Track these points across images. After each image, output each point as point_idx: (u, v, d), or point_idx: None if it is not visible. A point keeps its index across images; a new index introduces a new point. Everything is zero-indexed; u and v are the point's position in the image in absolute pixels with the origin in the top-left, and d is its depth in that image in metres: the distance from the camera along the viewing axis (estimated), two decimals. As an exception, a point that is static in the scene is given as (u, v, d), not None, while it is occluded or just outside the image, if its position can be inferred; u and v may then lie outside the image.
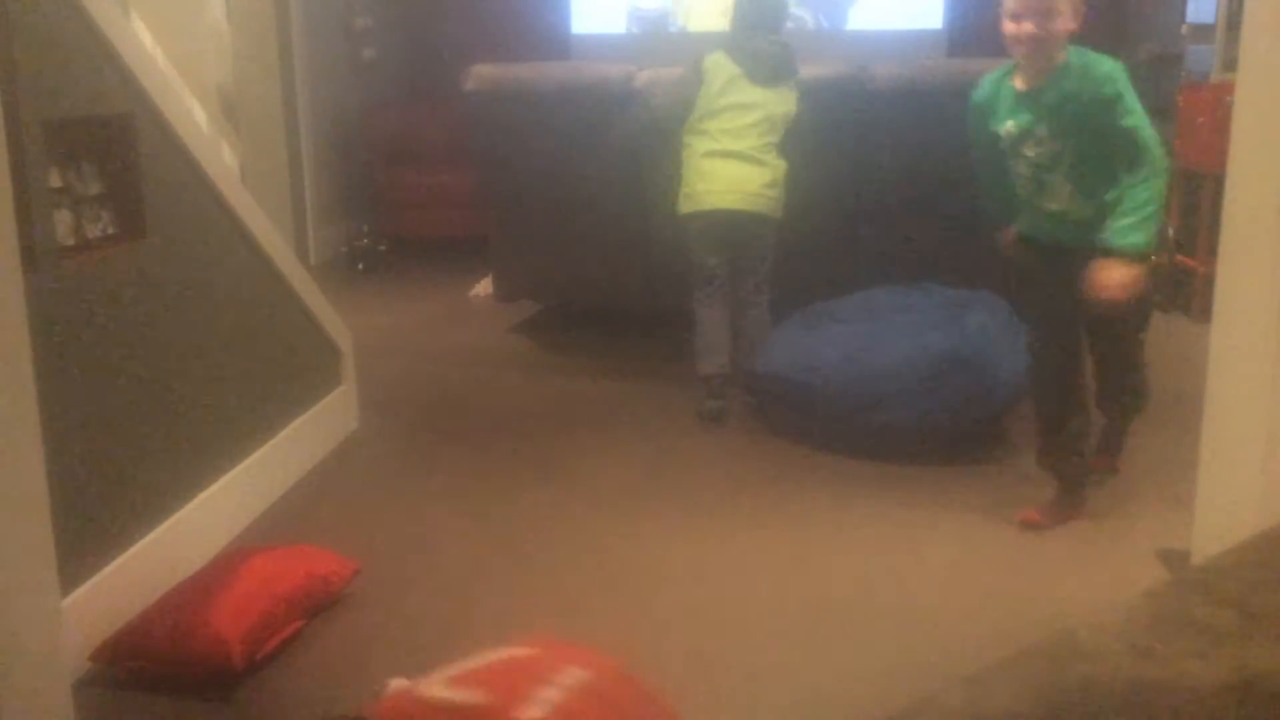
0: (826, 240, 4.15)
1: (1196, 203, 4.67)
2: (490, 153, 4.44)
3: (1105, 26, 6.48)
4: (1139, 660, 0.77)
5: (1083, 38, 2.66)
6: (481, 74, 4.36)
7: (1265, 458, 2.23)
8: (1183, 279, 4.79)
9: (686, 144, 3.66)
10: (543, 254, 4.53)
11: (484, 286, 5.29)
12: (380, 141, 6.43)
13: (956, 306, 3.48)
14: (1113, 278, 2.55)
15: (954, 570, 2.62)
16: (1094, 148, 2.63)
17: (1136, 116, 2.58)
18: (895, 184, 4.12)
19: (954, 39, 6.62)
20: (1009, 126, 2.73)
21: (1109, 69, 2.60)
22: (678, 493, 3.10)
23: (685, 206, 3.66)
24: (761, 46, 3.61)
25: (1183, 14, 5.64)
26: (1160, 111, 5.63)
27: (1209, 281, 3.56)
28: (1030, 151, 2.71)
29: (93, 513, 2.28)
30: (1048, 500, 2.87)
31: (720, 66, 3.59)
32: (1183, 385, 3.20)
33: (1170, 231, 4.91)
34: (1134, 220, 2.55)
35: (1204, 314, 4.06)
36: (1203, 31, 5.20)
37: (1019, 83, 2.72)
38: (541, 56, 6.24)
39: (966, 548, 2.73)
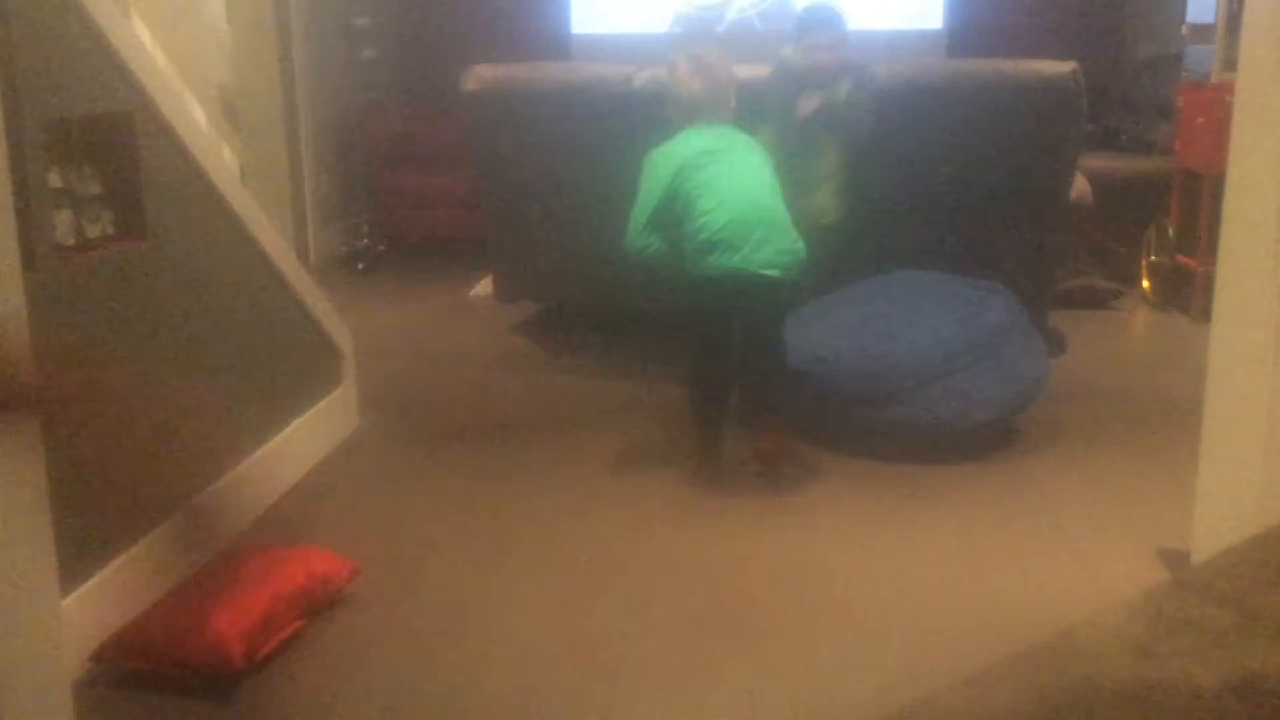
0: (825, 240, 4.13)
1: (1196, 203, 4.66)
2: (490, 153, 4.43)
3: (1105, 26, 6.48)
4: (1139, 660, 0.77)
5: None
6: (481, 74, 4.36)
7: (1265, 458, 2.23)
8: (1183, 279, 4.79)
9: None
10: (543, 254, 4.53)
11: (484, 286, 5.29)
12: (380, 141, 6.42)
13: (975, 302, 3.41)
14: None
15: (954, 570, 2.62)
16: None
17: None
18: (894, 184, 4.11)
19: (954, 39, 6.60)
20: None
21: None
22: (677, 492, 3.09)
23: None
24: None
25: (1183, 14, 5.64)
26: (1161, 111, 5.65)
27: (1209, 281, 3.55)
28: None
29: (93, 513, 2.28)
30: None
31: None
32: (1183, 385, 3.19)
33: (1170, 231, 4.90)
34: None
35: (1204, 314, 4.05)
36: (1203, 31, 5.20)
37: None
38: (541, 56, 6.24)
39: (966, 548, 2.73)
